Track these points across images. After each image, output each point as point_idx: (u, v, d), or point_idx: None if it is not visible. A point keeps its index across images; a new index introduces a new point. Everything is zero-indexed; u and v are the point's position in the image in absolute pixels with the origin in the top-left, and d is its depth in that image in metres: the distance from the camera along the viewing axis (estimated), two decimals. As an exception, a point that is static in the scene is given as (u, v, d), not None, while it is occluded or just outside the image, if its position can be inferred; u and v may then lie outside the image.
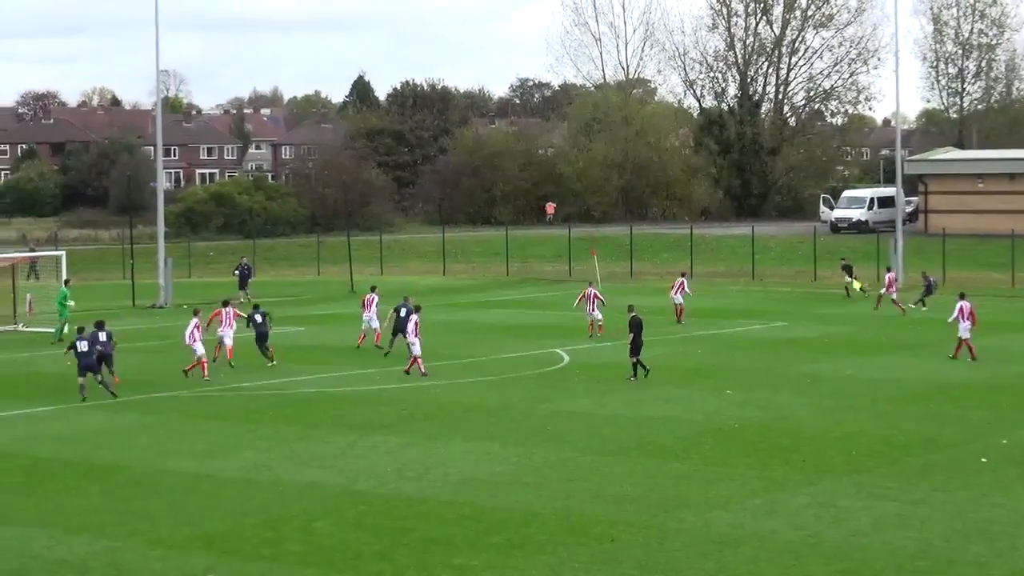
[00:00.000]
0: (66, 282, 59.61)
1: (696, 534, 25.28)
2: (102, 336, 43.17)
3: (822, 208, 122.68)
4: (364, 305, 54.08)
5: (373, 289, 55.50)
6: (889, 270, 68.49)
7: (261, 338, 49.36)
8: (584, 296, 57.25)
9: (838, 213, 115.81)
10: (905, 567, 23.31)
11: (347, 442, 34.42)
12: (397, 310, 50.63)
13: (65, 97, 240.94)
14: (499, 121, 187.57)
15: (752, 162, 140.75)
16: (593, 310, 56.17)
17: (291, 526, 26.19)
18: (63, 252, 65.32)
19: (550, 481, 29.68)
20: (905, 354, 50.98)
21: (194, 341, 45.79)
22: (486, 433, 35.48)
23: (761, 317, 64.02)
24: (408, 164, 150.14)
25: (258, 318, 49.96)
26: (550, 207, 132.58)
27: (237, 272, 76.27)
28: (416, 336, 46.28)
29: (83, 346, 42.08)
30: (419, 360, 46.19)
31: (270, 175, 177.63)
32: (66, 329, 55.83)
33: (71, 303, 57.43)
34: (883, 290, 66.49)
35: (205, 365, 45.95)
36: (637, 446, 33.58)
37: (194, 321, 46.36)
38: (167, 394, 42.61)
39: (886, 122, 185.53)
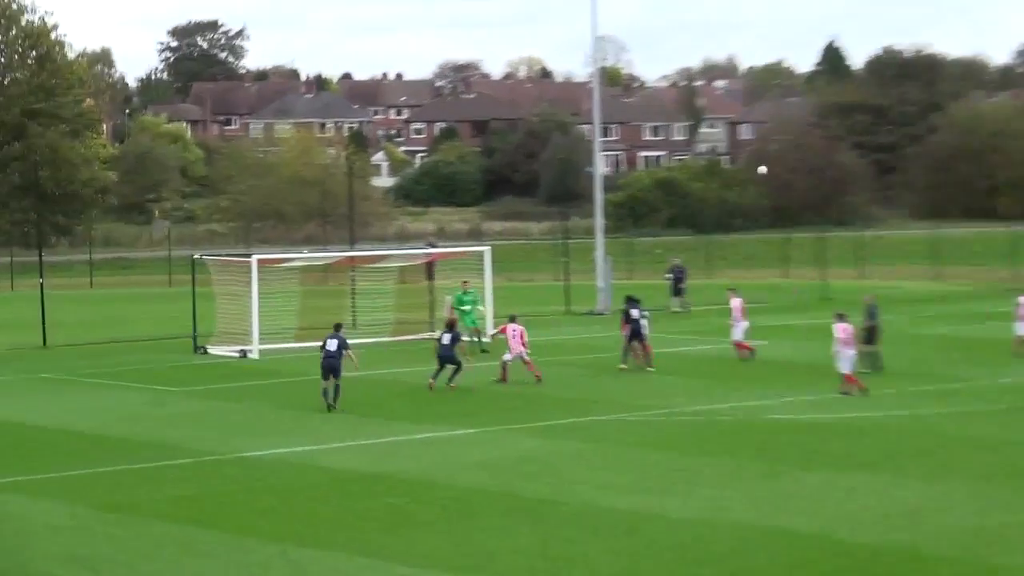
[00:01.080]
0: (464, 283, 60.16)
1: None
2: (331, 345, 43.65)
3: None
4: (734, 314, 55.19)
5: (733, 291, 56.96)
6: None
7: (637, 336, 50.85)
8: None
9: None
10: None
11: (822, 480, 34.04)
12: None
13: (488, 68, 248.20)
14: (1001, 94, 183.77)
15: None
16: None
17: (755, 580, 25.93)
18: (488, 247, 66.11)
19: (1079, 537, 28.65)
20: None
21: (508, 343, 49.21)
22: (990, 473, 34.56)
23: None
24: (890, 146, 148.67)
25: (634, 313, 50.24)
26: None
27: (671, 276, 75.61)
28: (848, 346, 46.07)
29: (332, 345, 43.34)
30: (849, 377, 45.88)
31: (726, 158, 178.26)
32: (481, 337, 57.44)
33: (466, 308, 57.89)
34: None
35: (507, 368, 49.14)
36: None
37: (509, 328, 49.58)
38: (607, 417, 42.95)
39: None
